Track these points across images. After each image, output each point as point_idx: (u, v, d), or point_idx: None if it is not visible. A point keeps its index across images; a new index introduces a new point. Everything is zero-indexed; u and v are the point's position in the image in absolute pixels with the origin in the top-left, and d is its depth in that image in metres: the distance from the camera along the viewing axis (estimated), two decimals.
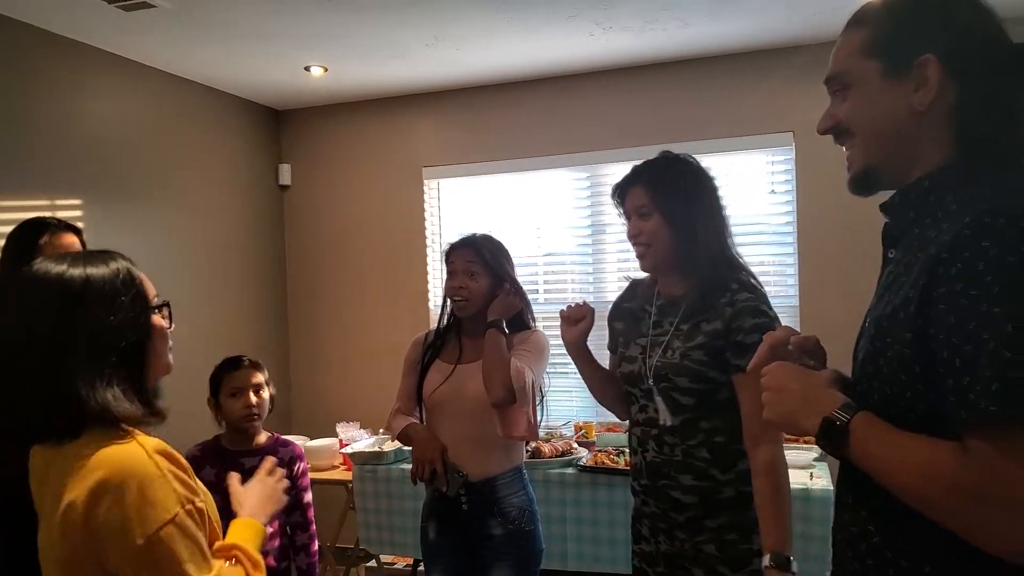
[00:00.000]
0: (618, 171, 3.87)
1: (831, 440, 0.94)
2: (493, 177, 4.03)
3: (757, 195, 3.61)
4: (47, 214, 2.97)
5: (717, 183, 1.79)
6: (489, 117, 4.00)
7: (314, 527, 2.50)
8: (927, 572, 0.94)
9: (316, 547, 2.49)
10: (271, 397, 2.43)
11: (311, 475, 3.44)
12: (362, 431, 3.73)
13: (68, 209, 3.08)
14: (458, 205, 4.15)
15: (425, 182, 4.13)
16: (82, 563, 1.09)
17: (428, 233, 4.14)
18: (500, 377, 2.07)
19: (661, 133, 3.67)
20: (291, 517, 2.42)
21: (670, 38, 3.37)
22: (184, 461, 1.16)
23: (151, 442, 1.14)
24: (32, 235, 1.99)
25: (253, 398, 2.35)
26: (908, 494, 0.89)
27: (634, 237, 1.75)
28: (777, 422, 1.03)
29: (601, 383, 1.97)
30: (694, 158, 1.80)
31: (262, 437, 2.43)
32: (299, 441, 3.71)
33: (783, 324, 1.31)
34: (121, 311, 1.15)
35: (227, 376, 2.39)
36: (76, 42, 3.12)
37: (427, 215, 4.14)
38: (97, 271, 1.17)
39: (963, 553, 0.88)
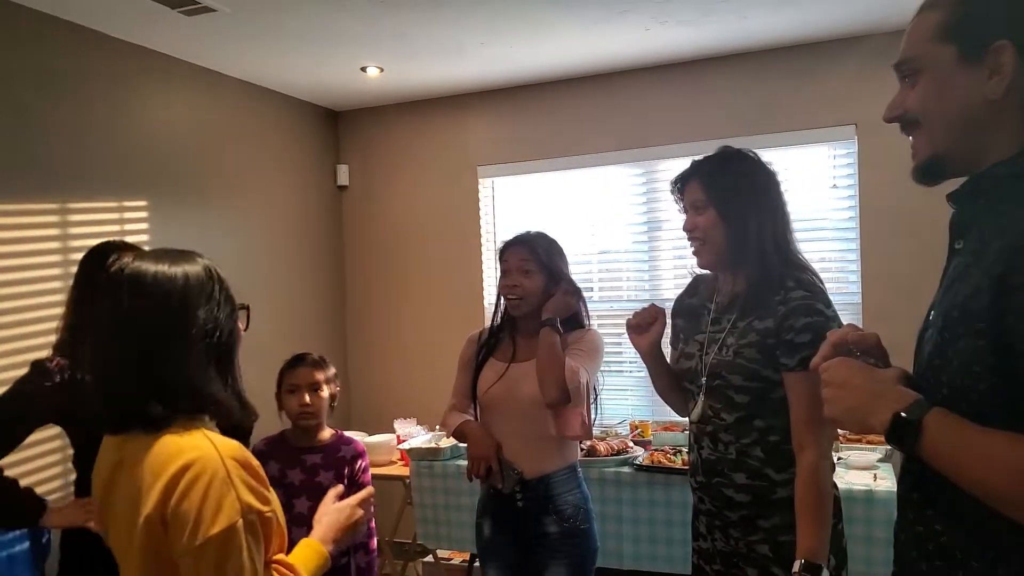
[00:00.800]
0: (674, 167, 3.81)
1: (902, 438, 0.91)
2: (547, 175, 4.02)
3: (819, 190, 3.52)
4: (115, 216, 3.11)
5: (779, 179, 1.75)
6: (543, 114, 3.99)
7: (373, 524, 2.54)
8: (1000, 573, 0.90)
9: (375, 544, 2.53)
10: (332, 395, 2.46)
11: (370, 470, 3.53)
12: (419, 427, 3.78)
13: (134, 211, 3.20)
14: (513, 203, 4.16)
15: (480, 180, 4.15)
16: (158, 553, 1.11)
17: (483, 231, 4.16)
18: (554, 377, 2.07)
19: (717, 128, 3.61)
20: None
21: (727, 31, 3.31)
22: (259, 468, 1.17)
23: (228, 446, 1.15)
24: (101, 258, 2.06)
25: (307, 397, 2.38)
26: (987, 491, 0.86)
27: (690, 231, 1.74)
28: (841, 419, 1.00)
29: (667, 380, 1.94)
30: (755, 153, 1.77)
31: (326, 434, 2.47)
32: (357, 437, 3.80)
33: (845, 322, 1.27)
34: (218, 307, 1.20)
35: (288, 373, 2.44)
36: (138, 47, 3.23)
37: (482, 213, 4.16)
38: (192, 268, 1.20)
39: None
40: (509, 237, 2.30)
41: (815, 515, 1.54)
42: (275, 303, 3.93)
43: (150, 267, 1.17)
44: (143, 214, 3.23)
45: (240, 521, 1.10)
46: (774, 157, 3.56)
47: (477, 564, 3.48)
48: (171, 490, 1.09)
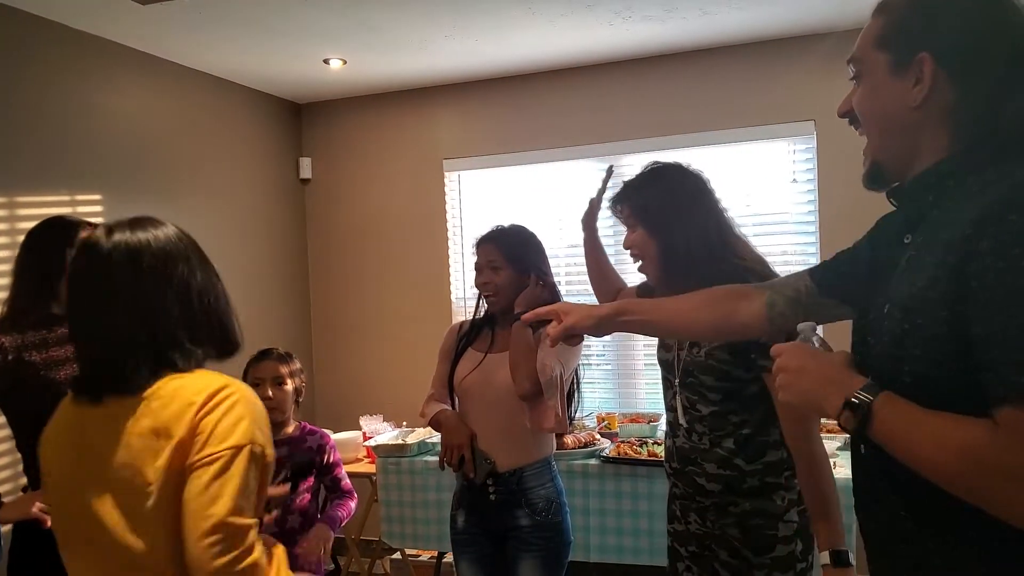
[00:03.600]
0: (639, 161, 3.85)
1: (853, 420, 0.94)
2: (514, 168, 4.02)
3: (779, 184, 3.58)
4: (68, 210, 3.02)
5: (709, 186, 1.79)
6: (509, 108, 3.99)
7: (354, 501, 2.58)
8: (960, 555, 0.93)
9: (353, 505, 2.56)
10: (297, 389, 2.47)
11: None
12: (385, 424, 3.75)
13: (89, 204, 3.12)
14: (479, 197, 4.15)
15: (446, 174, 4.13)
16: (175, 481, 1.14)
17: (449, 225, 4.14)
18: (525, 370, 2.08)
19: (681, 123, 3.65)
20: (333, 496, 2.52)
21: (689, 27, 3.34)
22: (266, 421, 1.24)
23: (250, 389, 1.24)
24: (65, 234, 2.01)
25: (270, 391, 2.39)
26: (936, 470, 0.89)
27: (628, 248, 1.81)
28: (795, 403, 1.04)
29: (599, 278, 2.09)
30: (681, 165, 1.81)
31: (290, 427, 2.47)
32: None
33: None
34: (205, 262, 1.33)
35: (252, 367, 2.46)
36: (96, 37, 3.15)
37: (448, 207, 4.14)
38: (173, 231, 1.33)
39: (998, 532, 0.87)
40: (482, 232, 2.31)
41: (825, 506, 1.57)
42: (236, 299, 3.83)
43: (131, 236, 1.27)
44: (97, 208, 3.14)
45: (250, 447, 1.15)
46: (735, 152, 3.63)
47: (446, 560, 3.48)
48: (203, 407, 1.15)
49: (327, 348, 4.38)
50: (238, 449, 1.14)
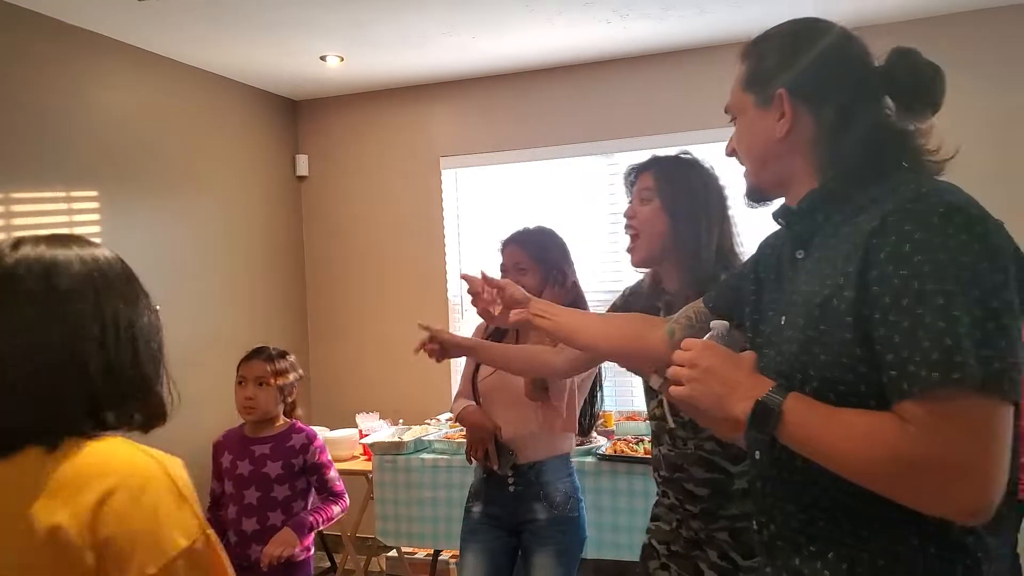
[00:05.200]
0: (636, 159, 3.85)
1: (764, 423, 0.97)
2: (511, 166, 4.01)
3: None
4: (63, 207, 3.02)
5: (725, 190, 1.77)
6: (507, 106, 3.98)
7: (345, 500, 2.58)
8: (871, 548, 0.97)
9: (338, 509, 2.54)
10: (285, 388, 2.47)
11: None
12: (381, 421, 3.75)
13: (84, 201, 3.11)
14: (476, 195, 4.14)
15: (443, 172, 4.12)
16: None
17: (446, 223, 4.13)
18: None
19: (679, 121, 3.65)
20: (321, 497, 2.51)
21: (688, 25, 3.34)
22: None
23: (170, 459, 0.95)
24: None
25: (251, 390, 2.40)
26: (847, 462, 0.92)
27: (628, 219, 1.74)
28: (695, 401, 1.04)
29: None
30: (708, 163, 1.79)
31: (278, 424, 2.49)
32: (318, 431, 3.75)
33: None
34: (140, 298, 1.03)
35: (240, 365, 2.48)
36: (91, 33, 3.14)
37: (445, 205, 4.14)
38: (107, 254, 1.02)
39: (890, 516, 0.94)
40: (507, 234, 2.32)
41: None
42: (233, 296, 3.86)
43: (66, 252, 0.98)
44: (94, 204, 3.13)
45: (201, 537, 0.92)
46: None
47: (442, 557, 3.48)
48: (104, 509, 0.86)
49: (323, 346, 4.37)
50: (190, 550, 0.89)
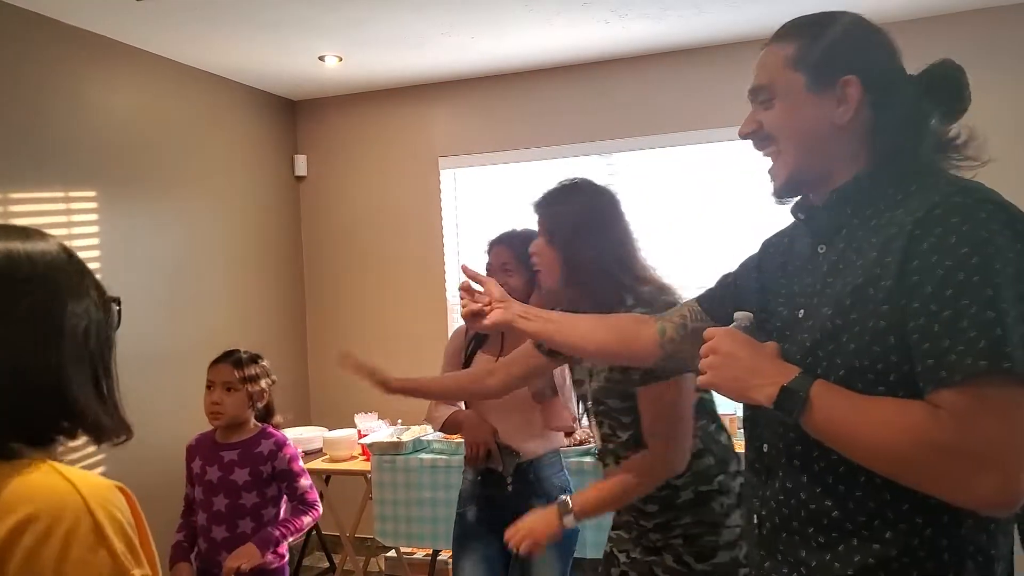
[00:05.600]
0: (635, 159, 3.85)
1: (790, 409, 0.97)
2: (510, 166, 4.01)
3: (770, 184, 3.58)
4: (62, 207, 3.01)
5: (619, 206, 1.79)
6: (505, 106, 3.98)
7: (318, 510, 2.45)
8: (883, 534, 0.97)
9: (308, 519, 2.43)
10: (254, 394, 2.38)
11: (330, 466, 3.49)
12: (380, 421, 3.74)
13: (83, 201, 3.10)
14: (475, 195, 4.14)
15: (441, 172, 4.12)
16: None
17: (445, 223, 4.13)
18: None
19: (677, 121, 3.65)
20: (291, 506, 2.42)
21: (686, 25, 3.34)
22: (135, 517, 0.86)
23: (94, 487, 0.82)
24: None
25: (219, 394, 2.33)
26: (876, 451, 0.93)
27: (531, 255, 1.80)
28: (720, 387, 1.05)
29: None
30: (593, 182, 1.82)
31: (249, 430, 2.41)
32: (317, 432, 3.75)
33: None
34: (87, 295, 0.90)
35: (209, 369, 2.40)
36: (90, 33, 3.13)
37: (444, 205, 4.13)
38: (49, 247, 0.90)
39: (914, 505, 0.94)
40: (494, 235, 2.31)
41: (611, 495, 1.70)
42: (231, 296, 3.85)
43: (23, 244, 0.87)
44: (92, 205, 3.13)
45: None
46: (730, 150, 3.63)
47: (440, 558, 3.47)
48: (13, 544, 0.77)
49: (322, 346, 4.37)
50: None
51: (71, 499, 0.80)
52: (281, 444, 2.42)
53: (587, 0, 3.02)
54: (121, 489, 0.86)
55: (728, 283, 1.33)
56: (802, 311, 1.08)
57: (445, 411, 2.33)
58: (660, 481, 1.68)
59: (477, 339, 2.34)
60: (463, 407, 2.35)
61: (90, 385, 0.88)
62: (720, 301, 1.32)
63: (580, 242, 1.71)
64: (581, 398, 1.88)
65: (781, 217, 1.27)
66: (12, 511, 0.78)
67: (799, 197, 1.15)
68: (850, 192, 1.07)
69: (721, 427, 1.75)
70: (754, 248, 1.31)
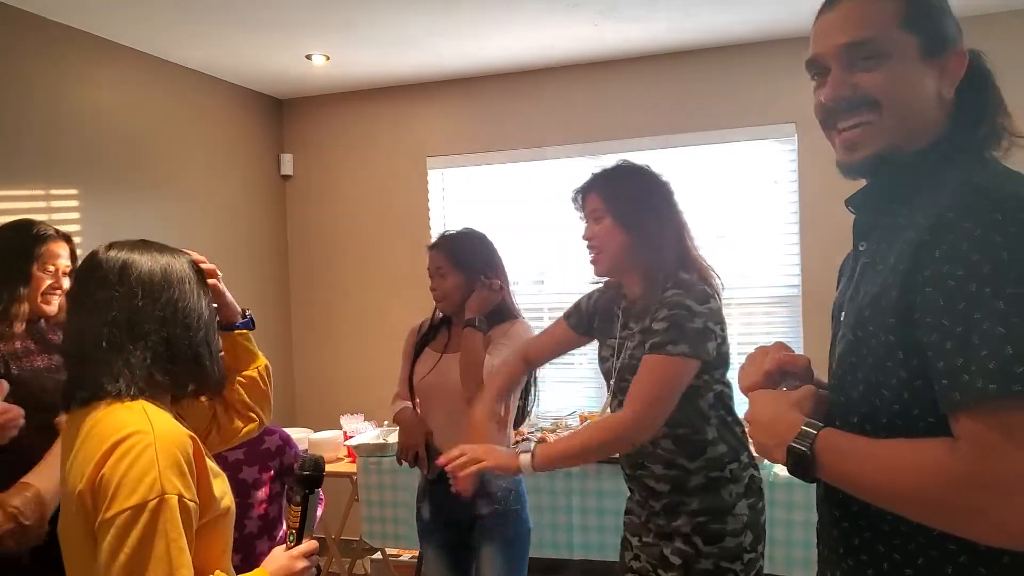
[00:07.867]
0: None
1: (801, 470, 0.92)
2: (498, 167, 4.01)
3: (761, 186, 3.59)
4: (42, 204, 2.97)
5: (671, 190, 1.83)
6: (493, 107, 3.98)
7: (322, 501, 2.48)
8: (920, 564, 0.92)
9: (321, 510, 2.47)
10: None
11: None
12: (366, 423, 3.72)
13: (64, 199, 3.06)
14: (462, 195, 4.13)
15: (429, 172, 4.11)
16: (88, 533, 1.10)
17: (432, 223, 4.12)
18: (473, 375, 2.16)
19: (664, 123, 3.66)
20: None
21: (674, 28, 3.35)
22: (198, 459, 1.16)
23: (165, 428, 1.13)
24: (29, 241, 1.96)
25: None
26: (893, 495, 0.87)
27: (588, 240, 1.81)
28: (764, 457, 1.01)
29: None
30: (649, 167, 1.85)
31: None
32: (303, 433, 3.72)
33: (777, 340, 1.20)
34: (196, 295, 1.30)
35: None
36: (72, 28, 3.09)
37: (431, 205, 4.12)
38: (173, 258, 1.29)
39: (953, 546, 0.88)
40: (432, 239, 2.38)
41: (578, 441, 1.73)
42: None
43: (141, 254, 1.25)
44: (73, 203, 3.09)
45: (155, 502, 1.06)
46: (717, 153, 3.65)
47: None
48: (102, 462, 1.09)
49: (308, 347, 4.34)
50: (141, 507, 1.06)
51: (145, 432, 1.11)
52: (286, 439, 2.48)
53: (575, 2, 3.03)
54: (192, 437, 1.16)
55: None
56: (843, 314, 1.03)
57: (398, 406, 2.41)
58: (623, 444, 1.73)
59: (427, 337, 2.41)
60: (409, 405, 2.39)
61: (200, 351, 1.26)
62: None
63: (649, 222, 1.73)
64: (605, 375, 1.90)
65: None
66: (114, 433, 1.11)
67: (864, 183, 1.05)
68: (878, 187, 1.01)
69: (737, 420, 1.78)
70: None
